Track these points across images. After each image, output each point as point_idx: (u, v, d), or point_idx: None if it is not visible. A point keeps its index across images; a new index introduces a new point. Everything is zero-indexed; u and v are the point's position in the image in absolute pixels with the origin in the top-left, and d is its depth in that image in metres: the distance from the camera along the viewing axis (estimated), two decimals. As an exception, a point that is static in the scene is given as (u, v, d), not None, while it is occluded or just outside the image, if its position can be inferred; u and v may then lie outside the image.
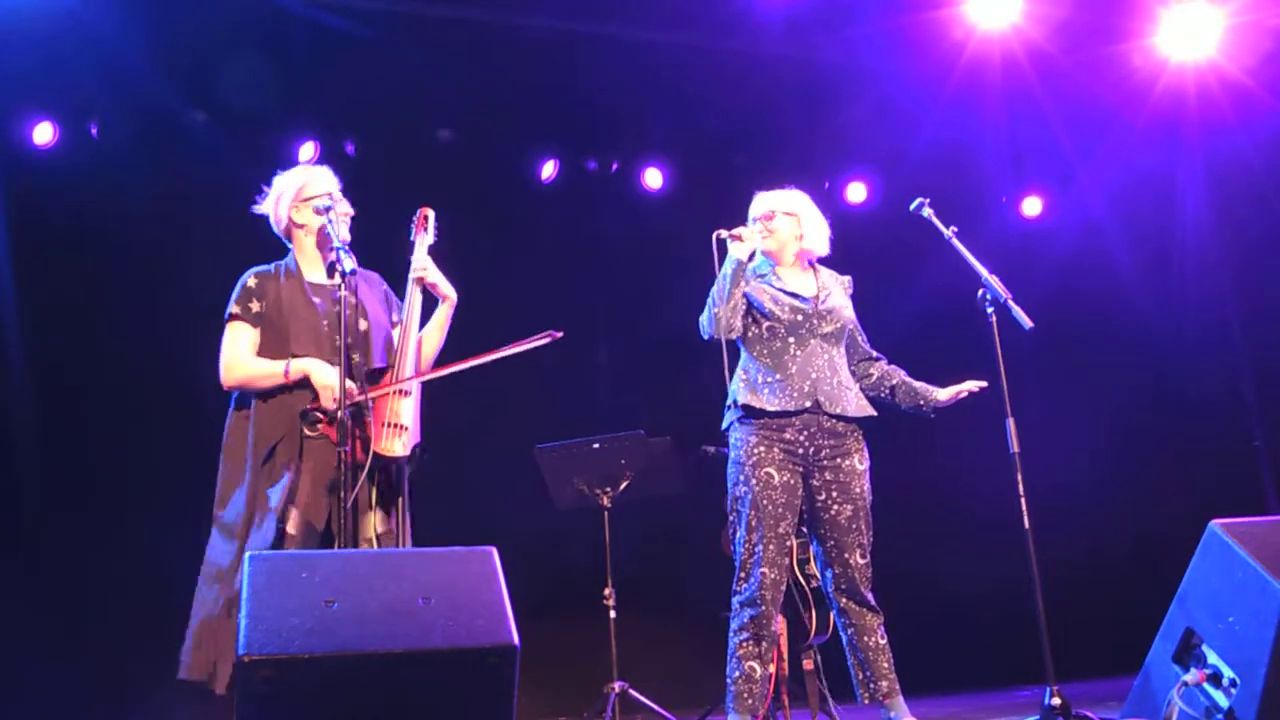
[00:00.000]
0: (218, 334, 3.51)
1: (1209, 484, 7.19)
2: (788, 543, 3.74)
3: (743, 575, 3.72)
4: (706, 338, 3.85)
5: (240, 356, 3.43)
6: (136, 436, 5.76)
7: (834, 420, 3.80)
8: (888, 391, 4.03)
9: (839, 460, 3.79)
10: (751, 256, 3.83)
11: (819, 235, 4.05)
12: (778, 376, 3.78)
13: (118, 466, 5.71)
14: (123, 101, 5.83)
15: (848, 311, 4.00)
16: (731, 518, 3.80)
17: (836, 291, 4.02)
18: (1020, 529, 3.70)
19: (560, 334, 3.44)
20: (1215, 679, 3.13)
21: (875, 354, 4.09)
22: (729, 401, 3.89)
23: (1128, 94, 6.83)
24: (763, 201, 4.06)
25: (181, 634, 3.34)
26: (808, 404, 3.75)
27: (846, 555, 3.76)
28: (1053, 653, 3.60)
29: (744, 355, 3.91)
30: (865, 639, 3.75)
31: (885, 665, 3.74)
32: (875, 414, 3.90)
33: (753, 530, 3.70)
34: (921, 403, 3.98)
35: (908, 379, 4.04)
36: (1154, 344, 7.59)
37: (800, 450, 3.75)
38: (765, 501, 3.69)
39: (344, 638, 2.48)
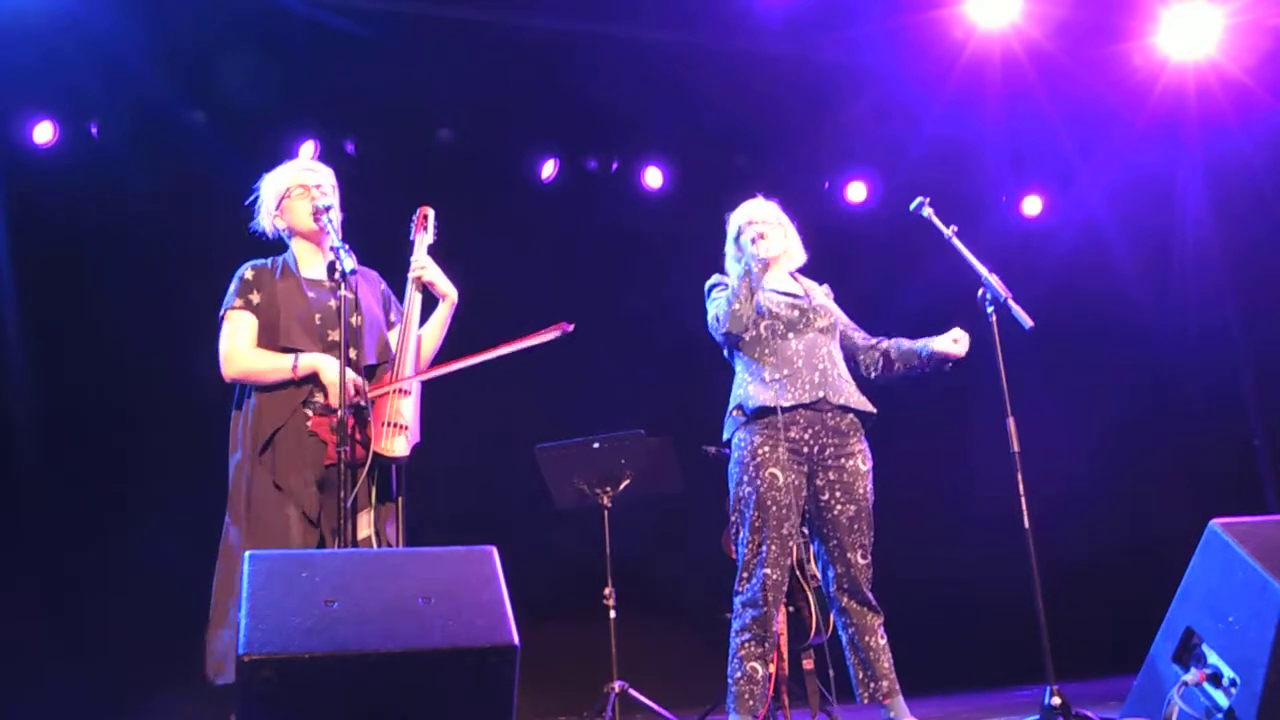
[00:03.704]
0: (217, 332, 3.48)
1: (1209, 484, 7.19)
2: (790, 543, 3.74)
3: (745, 575, 3.72)
4: (721, 336, 3.86)
5: (242, 347, 3.39)
6: (137, 436, 5.76)
7: (837, 418, 3.79)
8: (902, 363, 3.95)
9: (843, 460, 3.79)
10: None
11: (799, 246, 4.10)
12: (785, 372, 3.78)
13: (118, 466, 5.72)
14: (122, 101, 5.83)
15: (835, 312, 4.01)
16: (734, 518, 3.79)
17: (819, 294, 4.04)
18: (1020, 529, 3.70)
19: (571, 327, 3.40)
20: (1215, 679, 3.13)
21: (874, 340, 4.04)
22: (732, 408, 3.88)
23: (1128, 94, 6.83)
24: (761, 209, 4.07)
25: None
26: (819, 395, 3.76)
27: (849, 555, 3.76)
28: (1053, 653, 3.60)
29: (742, 361, 3.91)
30: (866, 639, 3.75)
31: (885, 665, 3.74)
32: (874, 410, 3.89)
33: (756, 531, 3.70)
34: (925, 354, 3.90)
35: (904, 341, 3.98)
36: (1154, 343, 7.60)
37: (804, 449, 3.75)
38: (769, 502, 3.68)
39: (344, 638, 2.47)
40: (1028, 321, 3.76)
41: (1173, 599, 3.35)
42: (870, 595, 3.77)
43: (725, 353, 4.01)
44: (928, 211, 4.08)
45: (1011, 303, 3.81)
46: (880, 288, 7.03)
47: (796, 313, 3.87)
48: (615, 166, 6.91)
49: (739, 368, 3.93)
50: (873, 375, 4.00)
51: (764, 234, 3.85)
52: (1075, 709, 3.53)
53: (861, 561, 3.76)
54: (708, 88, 6.43)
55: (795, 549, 4.34)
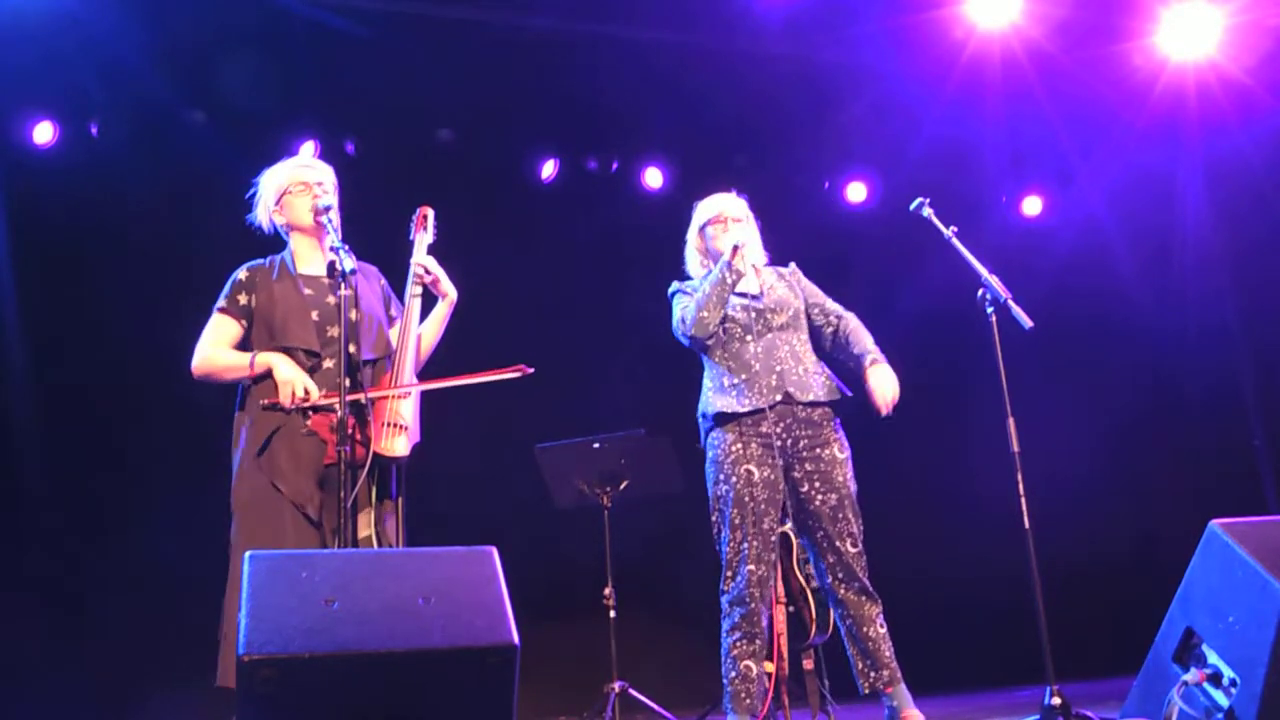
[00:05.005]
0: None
1: (1209, 484, 7.19)
2: (772, 538, 3.72)
3: (729, 574, 3.70)
4: (686, 339, 3.87)
5: (211, 346, 3.45)
6: (136, 436, 5.76)
7: (808, 410, 3.78)
8: (841, 352, 3.95)
9: (818, 450, 3.77)
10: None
11: (759, 243, 4.07)
12: (743, 377, 3.78)
13: (117, 466, 5.71)
14: (122, 101, 5.83)
15: (795, 300, 3.97)
16: (714, 517, 3.78)
17: (779, 285, 4.00)
18: (1020, 529, 3.70)
19: (531, 370, 3.44)
20: (1215, 679, 3.13)
21: (838, 315, 3.99)
22: (700, 413, 3.88)
23: (1128, 94, 6.83)
24: (733, 205, 4.04)
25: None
26: (778, 397, 3.74)
27: (837, 544, 3.73)
28: (1053, 653, 3.60)
29: (706, 364, 3.93)
30: (865, 629, 3.72)
31: (887, 654, 3.71)
32: (849, 394, 3.87)
33: (736, 528, 3.68)
34: (852, 362, 3.90)
35: (850, 332, 3.94)
36: (1154, 343, 7.59)
37: (778, 443, 3.74)
38: (747, 498, 3.67)
39: (344, 637, 2.47)
40: (1027, 322, 3.76)
41: (1173, 599, 3.35)
42: (867, 583, 3.75)
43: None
44: (928, 212, 4.08)
45: (1011, 303, 3.81)
46: (880, 288, 7.02)
47: (752, 314, 3.85)
48: (615, 166, 6.91)
49: (705, 371, 3.93)
50: (839, 352, 3.98)
51: (740, 245, 3.81)
52: (1075, 709, 3.54)
53: (853, 549, 3.74)
54: (708, 88, 6.42)
55: (796, 548, 4.34)
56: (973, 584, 6.58)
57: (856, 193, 7.28)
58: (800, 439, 3.77)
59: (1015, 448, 3.75)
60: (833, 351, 3.99)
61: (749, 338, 3.83)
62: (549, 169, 6.75)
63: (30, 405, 5.70)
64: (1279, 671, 2.95)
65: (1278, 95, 6.69)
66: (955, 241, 4.00)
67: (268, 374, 3.35)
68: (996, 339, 3.84)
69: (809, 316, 3.99)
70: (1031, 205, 7.63)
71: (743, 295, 3.90)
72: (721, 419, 3.77)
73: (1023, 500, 3.73)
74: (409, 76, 6.05)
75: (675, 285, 4.07)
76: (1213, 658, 3.16)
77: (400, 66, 6.00)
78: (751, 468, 3.70)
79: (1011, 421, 3.78)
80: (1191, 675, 3.17)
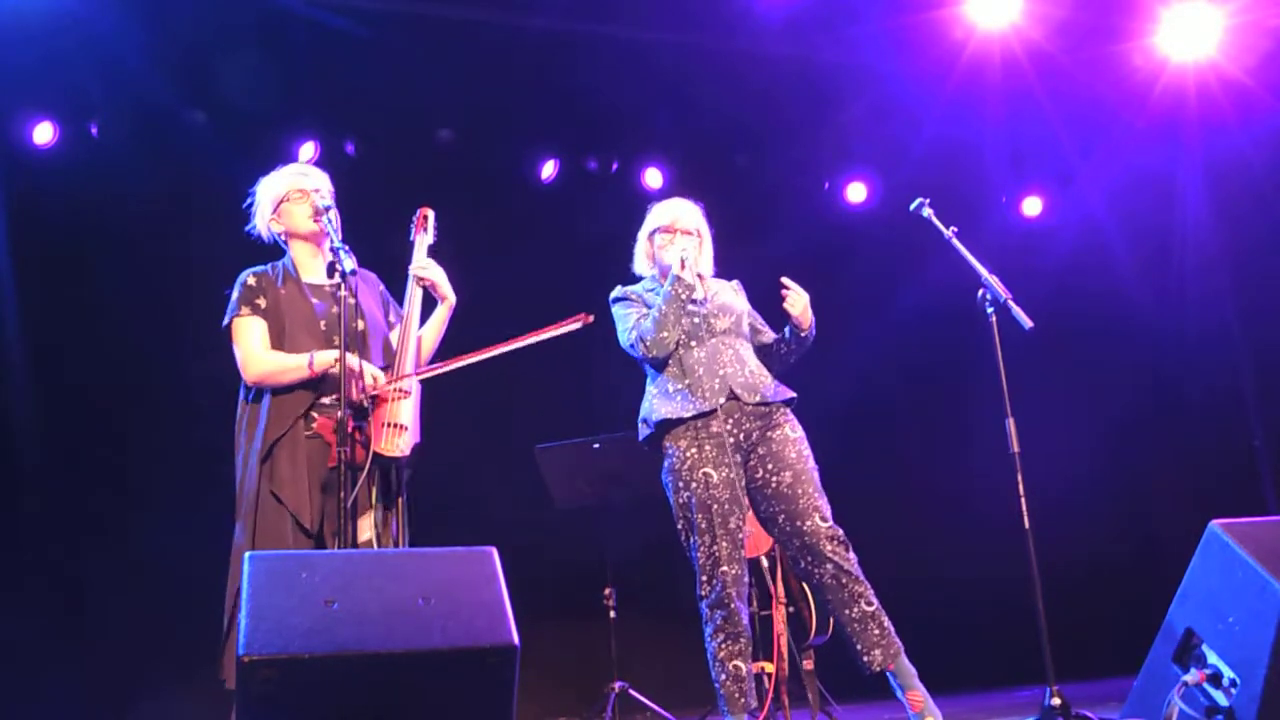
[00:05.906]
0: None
1: (1209, 484, 7.20)
2: (740, 535, 3.69)
3: (705, 579, 3.65)
4: (641, 356, 3.83)
5: (258, 350, 3.39)
6: (136, 436, 5.77)
7: (755, 405, 3.77)
8: (786, 346, 3.93)
9: (769, 434, 3.74)
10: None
11: (710, 255, 4.03)
12: (687, 382, 3.74)
13: (117, 466, 5.72)
14: (122, 101, 5.83)
15: (739, 306, 3.94)
16: (680, 525, 3.74)
17: (723, 291, 3.98)
18: (1020, 529, 3.70)
19: (591, 318, 3.40)
20: (1215, 679, 3.13)
21: (772, 341, 3.98)
22: (642, 418, 3.84)
23: (1128, 94, 6.84)
24: (687, 216, 3.99)
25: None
26: (723, 400, 3.71)
27: (800, 523, 3.64)
28: (1053, 653, 3.60)
29: (650, 371, 3.89)
30: (846, 611, 3.59)
31: (875, 632, 3.57)
32: (794, 395, 3.83)
33: (704, 533, 3.65)
34: (790, 329, 3.88)
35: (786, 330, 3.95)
36: (1154, 343, 7.60)
37: (731, 440, 3.70)
38: (710, 501, 3.64)
39: (344, 638, 2.47)
40: (1027, 322, 3.76)
41: (1173, 599, 3.35)
42: (844, 560, 3.61)
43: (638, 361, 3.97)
44: (928, 212, 4.08)
45: (1011, 303, 3.81)
46: (880, 288, 7.03)
47: (696, 320, 3.81)
48: (615, 166, 6.91)
49: (648, 378, 3.90)
50: (792, 361, 3.97)
51: (685, 258, 3.78)
52: (1075, 709, 3.53)
53: (822, 524, 3.62)
54: (708, 88, 6.43)
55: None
56: (973, 584, 6.57)
57: (856, 193, 7.28)
58: (752, 431, 3.73)
59: (1015, 448, 3.75)
60: (762, 359, 3.94)
61: (693, 343, 3.79)
62: (549, 169, 6.76)
63: (30, 405, 5.70)
64: (1279, 671, 2.95)
65: (1278, 95, 6.69)
66: (955, 242, 4.00)
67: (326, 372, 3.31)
68: (996, 339, 3.84)
69: (754, 331, 3.97)
70: (1031, 205, 7.64)
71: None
72: (667, 425, 3.74)
73: (1023, 500, 3.72)
74: (409, 76, 6.05)
75: (618, 291, 4.03)
76: (1213, 658, 3.16)
77: (400, 66, 6.00)
78: (709, 470, 3.66)
79: (1011, 421, 3.78)
80: (1191, 675, 3.17)
